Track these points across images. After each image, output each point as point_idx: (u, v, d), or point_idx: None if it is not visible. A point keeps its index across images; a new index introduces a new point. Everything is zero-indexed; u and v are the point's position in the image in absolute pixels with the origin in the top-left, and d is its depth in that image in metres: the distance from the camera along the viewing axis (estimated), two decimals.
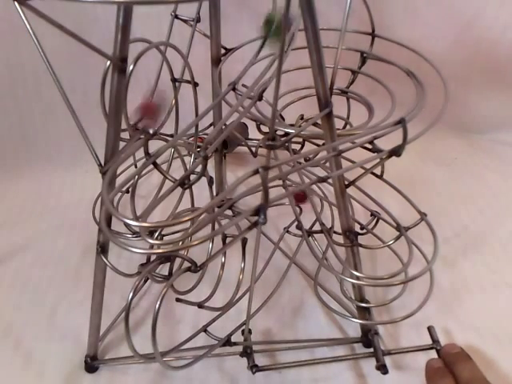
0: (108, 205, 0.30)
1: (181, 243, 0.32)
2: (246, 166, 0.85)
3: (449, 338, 0.55)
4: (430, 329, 0.52)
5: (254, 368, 0.48)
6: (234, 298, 0.51)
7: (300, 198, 0.73)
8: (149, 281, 0.62)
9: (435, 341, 0.51)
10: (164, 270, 0.44)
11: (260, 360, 0.51)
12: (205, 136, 0.79)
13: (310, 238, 0.59)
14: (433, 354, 0.51)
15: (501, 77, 0.87)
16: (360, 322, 0.54)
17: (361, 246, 0.49)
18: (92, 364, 0.53)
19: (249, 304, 0.45)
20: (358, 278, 0.48)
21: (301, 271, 0.65)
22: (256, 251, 0.40)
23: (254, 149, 0.65)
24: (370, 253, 0.64)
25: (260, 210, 0.31)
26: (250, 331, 0.49)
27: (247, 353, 0.49)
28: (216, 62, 0.59)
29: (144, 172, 0.73)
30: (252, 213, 0.31)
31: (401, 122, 0.38)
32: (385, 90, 0.50)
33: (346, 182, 0.45)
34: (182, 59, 0.51)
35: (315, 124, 0.44)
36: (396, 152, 0.39)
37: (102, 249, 0.45)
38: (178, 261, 0.52)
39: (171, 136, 0.62)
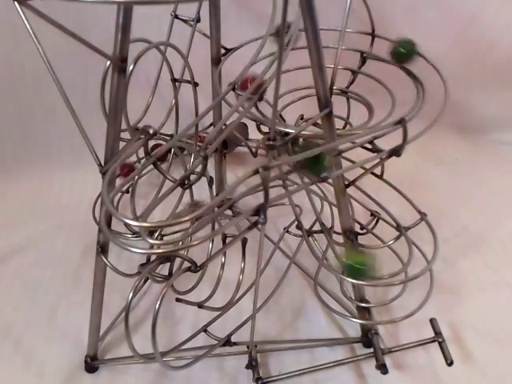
0: (108, 205, 0.30)
1: (181, 243, 0.32)
2: (246, 166, 0.85)
3: (449, 338, 0.55)
4: (432, 321, 0.52)
5: (260, 381, 0.48)
6: (233, 297, 0.51)
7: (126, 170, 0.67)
8: (149, 281, 0.62)
9: (437, 333, 0.51)
10: (164, 269, 0.44)
11: (260, 360, 0.51)
12: (205, 135, 0.79)
13: (310, 238, 0.59)
14: (434, 349, 0.51)
15: (501, 77, 0.87)
16: (360, 321, 0.54)
17: (361, 245, 0.49)
18: (92, 364, 0.53)
19: (254, 306, 0.45)
20: None
21: (301, 271, 0.65)
22: (260, 251, 0.39)
23: (254, 149, 0.65)
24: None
25: (260, 210, 0.31)
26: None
27: (252, 365, 0.49)
28: (216, 61, 0.59)
29: (144, 172, 0.73)
30: (252, 213, 0.31)
31: (401, 122, 0.38)
32: (385, 90, 0.50)
33: (346, 182, 0.45)
34: (182, 59, 0.51)
35: (315, 124, 0.44)
36: (396, 152, 0.39)
37: (102, 249, 0.45)
38: (178, 261, 0.52)
39: (171, 136, 0.62)
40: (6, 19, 0.72)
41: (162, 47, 0.47)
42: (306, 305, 0.61)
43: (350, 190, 0.46)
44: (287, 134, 0.41)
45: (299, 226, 0.56)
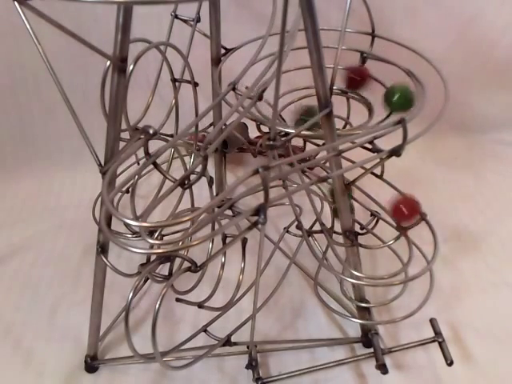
0: (108, 205, 0.30)
1: (181, 243, 0.32)
2: (246, 166, 0.85)
3: (449, 338, 0.55)
4: (432, 321, 0.52)
5: (260, 381, 0.48)
6: (233, 297, 0.51)
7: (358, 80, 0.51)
8: (149, 281, 0.62)
9: (437, 333, 0.51)
10: (164, 269, 0.44)
11: (260, 360, 0.51)
12: (204, 134, 0.78)
13: (310, 237, 0.59)
14: (434, 349, 0.51)
15: (501, 77, 0.87)
16: (360, 321, 0.54)
17: (361, 245, 0.49)
18: (92, 364, 0.53)
19: (254, 306, 0.45)
20: (358, 278, 0.48)
21: (301, 271, 0.65)
22: (260, 251, 0.39)
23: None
24: (370, 253, 0.64)
25: (260, 210, 0.31)
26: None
27: (252, 365, 0.49)
28: (216, 62, 0.59)
29: (144, 172, 0.73)
30: (252, 213, 0.31)
31: (401, 122, 0.38)
32: (385, 90, 0.50)
33: (346, 182, 0.45)
34: (182, 59, 0.51)
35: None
36: (396, 152, 0.39)
37: (102, 249, 0.45)
38: (178, 261, 0.52)
39: (171, 136, 0.62)
40: (6, 19, 0.72)
41: (162, 47, 0.47)
42: (305, 305, 0.61)
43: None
44: (287, 133, 0.41)
45: (299, 226, 0.56)
